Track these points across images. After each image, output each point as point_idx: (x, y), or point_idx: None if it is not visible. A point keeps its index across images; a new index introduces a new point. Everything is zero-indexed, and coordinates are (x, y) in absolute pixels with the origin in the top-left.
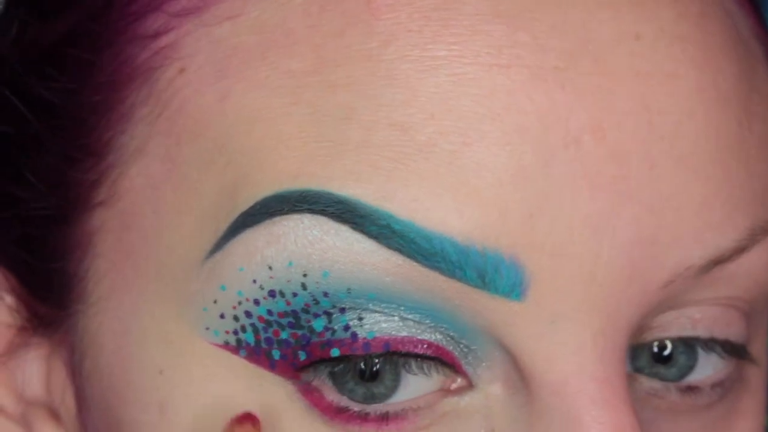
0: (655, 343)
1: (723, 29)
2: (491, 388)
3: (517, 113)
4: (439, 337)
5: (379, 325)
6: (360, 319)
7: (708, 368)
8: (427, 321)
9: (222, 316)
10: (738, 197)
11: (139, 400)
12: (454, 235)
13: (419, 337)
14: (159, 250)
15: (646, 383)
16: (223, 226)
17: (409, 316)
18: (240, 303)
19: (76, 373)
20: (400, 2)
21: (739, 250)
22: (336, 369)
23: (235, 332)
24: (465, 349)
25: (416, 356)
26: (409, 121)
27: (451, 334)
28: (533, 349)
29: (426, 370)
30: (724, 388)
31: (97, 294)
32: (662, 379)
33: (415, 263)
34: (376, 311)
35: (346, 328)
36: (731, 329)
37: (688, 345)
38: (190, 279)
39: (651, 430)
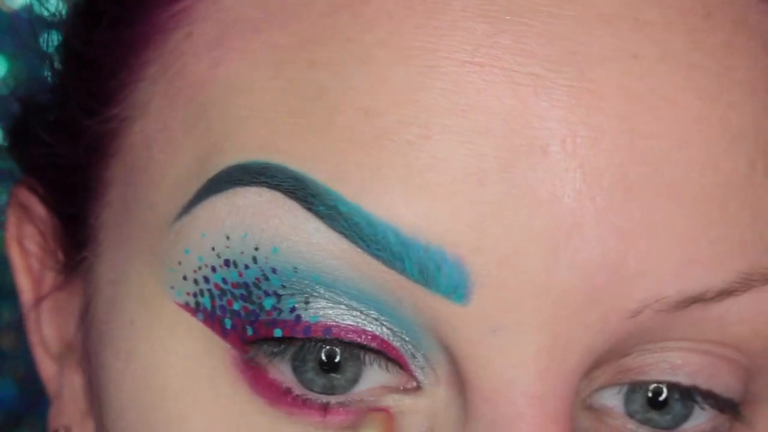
0: (651, 387)
1: (751, 64)
2: (436, 390)
3: (482, 113)
4: (386, 331)
5: (324, 311)
6: (306, 302)
7: (702, 417)
8: (372, 312)
9: (184, 278)
10: (736, 239)
11: (113, 346)
12: (399, 225)
13: (364, 328)
14: (144, 207)
15: (616, 422)
16: (192, 190)
17: (354, 305)
18: (200, 268)
19: (84, 319)
20: None
21: (727, 293)
22: (276, 350)
23: (195, 295)
24: (412, 349)
25: (362, 347)
26: (374, 107)
27: (396, 329)
28: (471, 354)
29: (368, 363)
30: None
31: (105, 243)
32: (654, 426)
33: (359, 249)
34: (323, 297)
35: (292, 309)
36: (717, 380)
37: (684, 391)
38: (162, 238)
39: None
